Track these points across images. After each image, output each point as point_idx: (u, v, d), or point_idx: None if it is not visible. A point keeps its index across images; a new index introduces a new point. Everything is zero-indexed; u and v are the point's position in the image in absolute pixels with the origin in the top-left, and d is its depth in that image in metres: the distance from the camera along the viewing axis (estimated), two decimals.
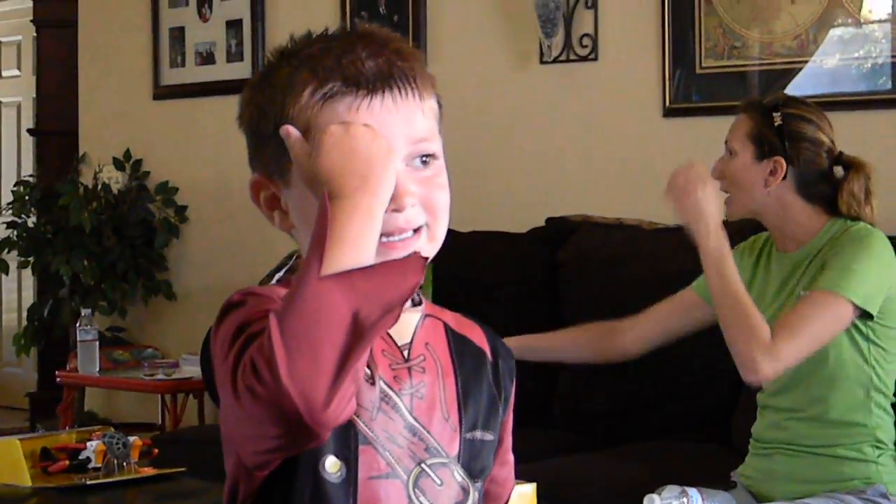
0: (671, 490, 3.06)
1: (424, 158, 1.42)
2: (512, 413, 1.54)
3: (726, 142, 3.19)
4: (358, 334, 1.20)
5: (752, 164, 3.13)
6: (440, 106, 1.47)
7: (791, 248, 3.17)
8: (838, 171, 3.14)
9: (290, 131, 1.34)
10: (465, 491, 1.44)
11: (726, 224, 3.29)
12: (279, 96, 1.43)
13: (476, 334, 1.44)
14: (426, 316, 1.40)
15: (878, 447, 3.07)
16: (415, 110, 1.42)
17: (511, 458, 1.53)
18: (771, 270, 3.22)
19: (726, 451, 3.37)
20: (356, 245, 1.25)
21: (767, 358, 2.92)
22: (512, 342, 3.42)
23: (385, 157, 1.31)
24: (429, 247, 1.39)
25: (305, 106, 1.40)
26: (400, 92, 1.41)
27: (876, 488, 3.03)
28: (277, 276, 1.39)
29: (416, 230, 1.37)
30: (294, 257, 1.57)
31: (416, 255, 1.28)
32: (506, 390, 1.52)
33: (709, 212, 3.02)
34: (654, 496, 3.04)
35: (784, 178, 3.10)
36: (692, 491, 3.07)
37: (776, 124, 3.12)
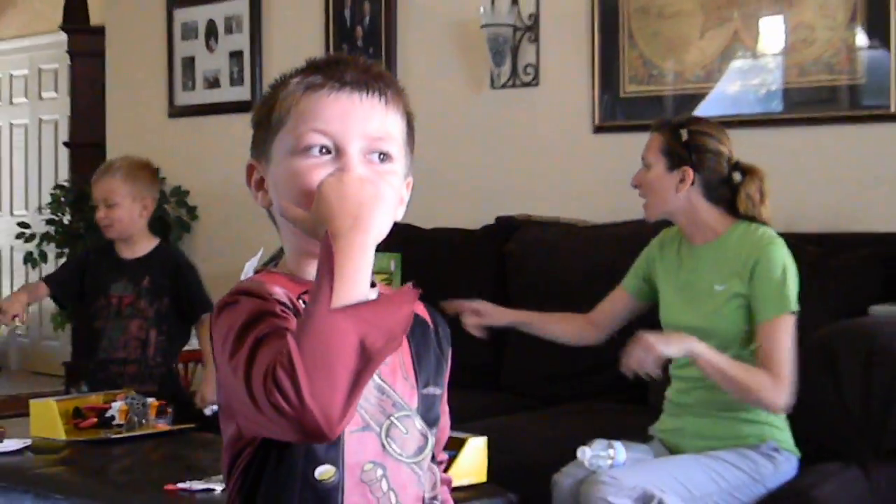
0: (600, 443, 3.07)
1: (382, 156, 1.43)
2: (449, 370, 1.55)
3: (642, 157, 3.19)
4: (366, 359, 1.22)
5: (665, 174, 3.14)
6: (410, 126, 1.47)
7: (699, 242, 3.18)
8: (736, 176, 3.16)
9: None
10: (425, 437, 1.46)
11: (645, 224, 3.30)
12: (273, 91, 1.47)
13: (420, 309, 1.45)
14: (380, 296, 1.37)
15: (767, 410, 3.07)
16: (377, 112, 1.43)
17: (447, 407, 1.54)
18: (682, 258, 3.23)
19: (644, 410, 3.38)
20: (355, 279, 1.25)
21: (777, 393, 2.96)
22: (511, 315, 3.45)
23: (373, 199, 1.31)
24: None
25: (289, 93, 1.44)
26: (368, 93, 1.43)
27: (768, 444, 3.05)
28: (255, 267, 1.39)
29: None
30: (277, 252, 1.56)
31: (408, 287, 1.29)
32: (445, 352, 1.55)
33: (686, 346, 2.98)
34: (586, 448, 3.05)
35: (692, 184, 3.11)
36: (616, 443, 3.07)
37: (683, 139, 3.14)
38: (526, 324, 3.48)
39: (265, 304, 1.31)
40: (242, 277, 1.57)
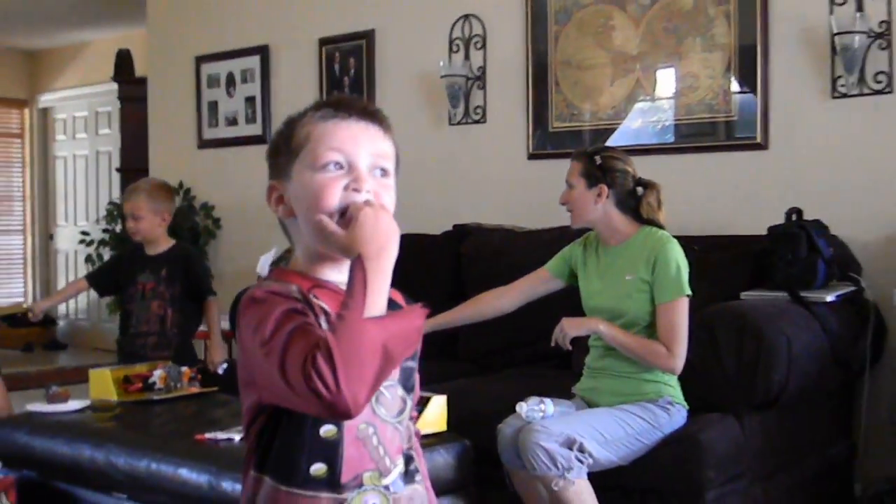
0: (533, 399, 3.06)
1: (381, 171, 1.43)
2: None
3: (566, 180, 3.18)
4: (388, 359, 1.24)
5: (586, 191, 3.14)
6: (397, 153, 1.47)
7: (613, 243, 3.18)
8: (639, 190, 3.17)
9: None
10: (404, 401, 1.45)
11: (568, 230, 3.30)
12: (292, 123, 1.45)
13: (397, 296, 1.43)
14: (401, 310, 1.38)
15: (664, 372, 3.08)
16: (378, 137, 1.44)
17: (418, 376, 1.52)
18: (600, 257, 3.21)
19: (569, 374, 3.37)
20: (381, 294, 1.27)
21: (674, 360, 2.99)
22: (437, 321, 3.38)
23: (395, 232, 1.32)
24: None
25: (307, 122, 1.43)
26: (371, 122, 1.44)
27: (664, 399, 3.05)
28: (269, 262, 1.38)
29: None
30: (285, 251, 1.55)
31: (419, 306, 1.31)
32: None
33: (593, 326, 3.05)
34: (523, 403, 3.05)
35: (607, 197, 3.12)
36: (547, 400, 3.07)
37: (598, 164, 3.14)
38: (450, 322, 3.44)
39: (292, 304, 1.30)
40: (258, 269, 1.56)
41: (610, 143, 4.37)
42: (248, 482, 1.40)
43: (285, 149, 1.43)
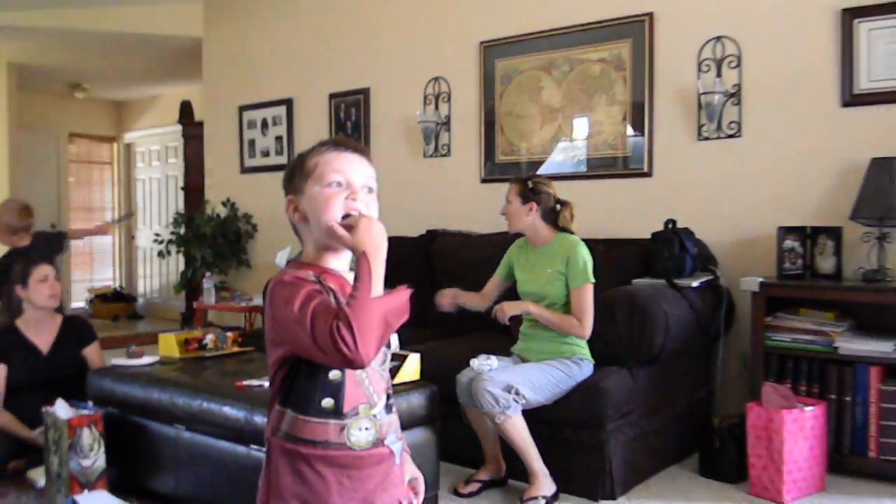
0: (482, 356, 3.07)
1: (369, 189, 1.42)
2: None
3: (507, 198, 3.17)
4: (388, 326, 1.26)
5: (519, 207, 3.14)
6: (376, 178, 1.45)
7: (538, 245, 3.18)
8: (558, 206, 3.17)
9: (336, 229, 1.36)
10: (385, 355, 1.45)
11: (508, 235, 3.29)
12: (303, 156, 1.45)
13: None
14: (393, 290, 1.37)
15: (577, 337, 3.08)
16: (366, 164, 1.43)
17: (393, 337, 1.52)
18: (529, 255, 3.21)
19: (509, 338, 3.37)
20: (380, 280, 1.28)
21: (583, 329, 3.01)
22: (463, 297, 3.26)
23: (385, 235, 1.33)
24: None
25: (315, 154, 1.43)
26: (361, 154, 1.43)
27: (576, 356, 3.07)
28: (287, 259, 1.38)
29: (359, 213, 1.38)
30: (300, 252, 1.54)
31: (405, 287, 1.30)
32: None
33: (524, 307, 3.05)
34: (474, 359, 3.05)
35: (535, 212, 3.12)
36: (492, 356, 3.08)
37: (530, 187, 3.14)
38: (462, 300, 3.30)
39: (313, 286, 1.31)
40: (277, 261, 1.57)
41: (539, 171, 4.38)
42: (273, 414, 1.40)
43: (299, 173, 1.43)
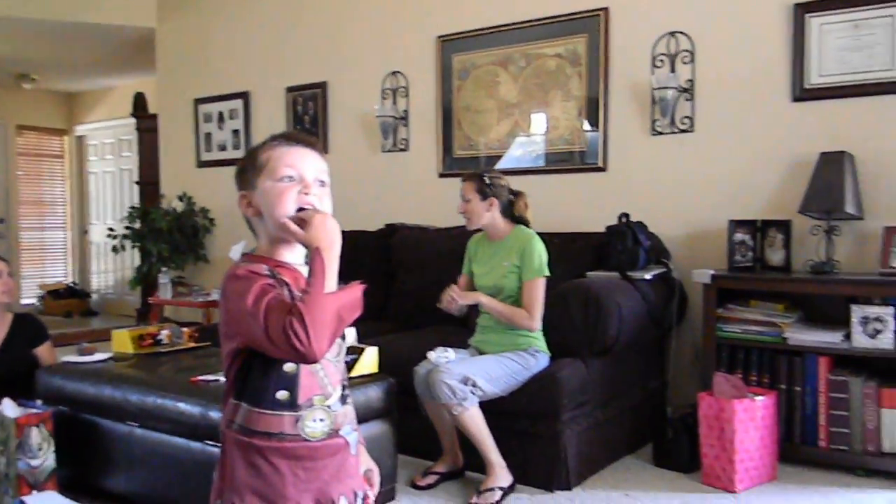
0: (440, 348, 3.08)
1: (321, 182, 1.41)
2: None
3: (464, 196, 3.15)
4: (341, 321, 1.26)
5: (479, 203, 3.14)
6: (329, 172, 1.44)
7: (496, 239, 3.19)
8: (513, 199, 3.18)
9: (290, 225, 1.35)
10: (339, 346, 1.45)
11: (465, 229, 3.29)
12: (254, 150, 1.43)
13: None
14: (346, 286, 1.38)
15: (530, 331, 3.10)
16: (318, 158, 1.42)
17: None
18: (486, 249, 3.22)
19: (466, 331, 3.38)
20: (333, 275, 1.28)
21: (532, 321, 3.03)
22: (470, 297, 3.19)
23: (338, 231, 1.33)
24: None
25: (267, 149, 1.41)
26: (312, 149, 1.43)
27: (532, 348, 3.08)
28: (240, 251, 1.37)
29: (313, 206, 1.37)
30: (252, 247, 1.53)
31: (358, 283, 1.31)
32: None
33: (472, 297, 3.05)
34: (432, 352, 3.06)
35: (494, 207, 3.14)
36: (450, 349, 3.09)
37: (487, 182, 3.14)
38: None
39: (267, 280, 1.30)
40: (231, 255, 1.56)
41: (498, 166, 4.39)
42: (228, 407, 1.40)
43: (251, 168, 1.42)
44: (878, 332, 3.08)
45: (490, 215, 3.14)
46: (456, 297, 3.03)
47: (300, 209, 1.36)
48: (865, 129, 3.43)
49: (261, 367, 1.34)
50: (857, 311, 3.12)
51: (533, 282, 3.03)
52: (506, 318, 3.04)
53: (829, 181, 3.31)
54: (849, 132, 3.46)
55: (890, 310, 3.07)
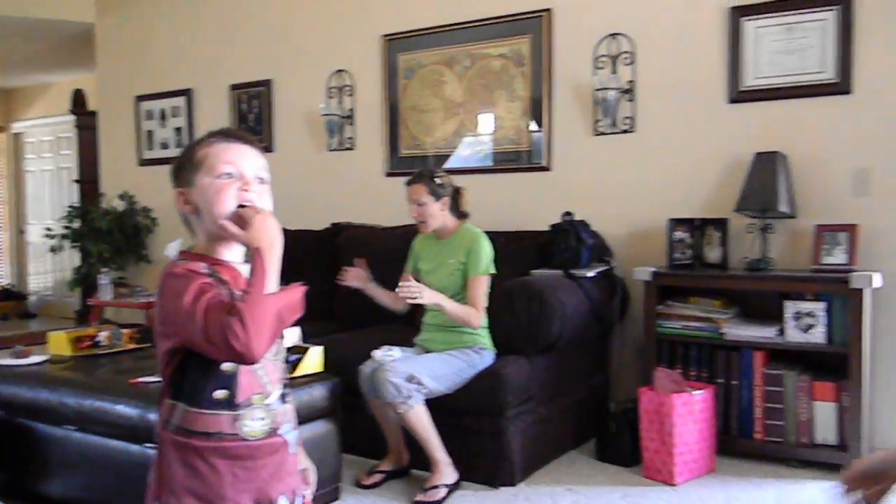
0: (385, 347, 3.08)
1: (260, 180, 1.40)
2: None
3: (416, 201, 3.12)
4: (281, 322, 1.25)
5: (434, 204, 3.14)
6: (267, 169, 1.43)
7: (444, 238, 3.21)
8: (455, 194, 3.20)
9: (229, 226, 1.33)
10: (279, 345, 1.45)
11: (412, 226, 3.28)
12: (192, 147, 1.42)
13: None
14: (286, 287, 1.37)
15: (474, 328, 3.12)
16: (256, 155, 1.41)
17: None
18: (433, 247, 3.24)
19: (412, 329, 3.39)
20: (272, 277, 1.27)
21: (477, 318, 3.03)
22: (374, 291, 3.27)
23: (279, 231, 1.32)
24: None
25: (204, 145, 1.40)
26: (251, 146, 1.42)
27: (477, 345, 3.11)
28: (177, 249, 1.34)
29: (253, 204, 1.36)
30: (190, 245, 1.52)
31: (299, 284, 1.31)
32: None
33: (431, 296, 2.98)
34: (377, 350, 3.06)
35: (447, 206, 3.15)
36: (395, 347, 3.10)
37: (438, 183, 3.15)
38: (371, 291, 3.30)
39: (205, 279, 1.29)
40: (167, 252, 1.54)
41: (446, 166, 4.39)
42: (164, 408, 1.38)
43: (188, 165, 1.40)
44: (810, 326, 3.18)
45: (443, 215, 3.15)
46: (419, 292, 2.94)
47: (240, 206, 1.35)
48: (798, 130, 3.53)
49: (198, 367, 1.32)
50: (790, 307, 3.22)
51: (478, 279, 3.06)
52: (461, 320, 3.04)
53: (764, 181, 3.41)
54: (782, 133, 3.56)
55: (821, 305, 3.17)
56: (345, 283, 3.24)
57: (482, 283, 3.06)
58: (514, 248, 3.68)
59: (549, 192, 4.15)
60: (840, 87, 3.44)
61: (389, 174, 4.71)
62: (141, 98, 5.94)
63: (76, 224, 6.07)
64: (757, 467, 3.25)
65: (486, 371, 3.06)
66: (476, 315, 3.03)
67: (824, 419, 3.18)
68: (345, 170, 4.91)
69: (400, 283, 2.95)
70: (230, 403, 1.34)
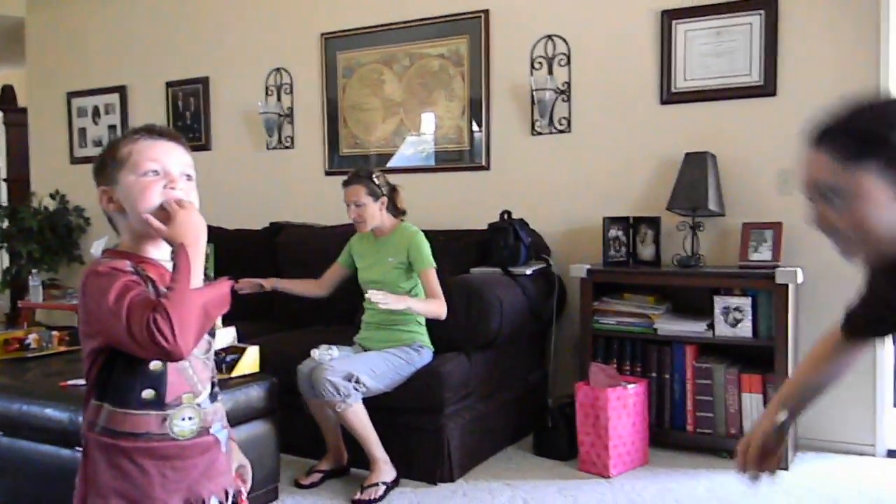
0: (323, 346, 3.08)
1: (188, 176, 1.38)
2: None
3: (355, 202, 3.14)
4: (207, 317, 1.25)
5: (373, 205, 3.15)
6: (194, 166, 1.42)
7: (381, 236, 3.22)
8: (391, 193, 3.21)
9: (152, 221, 1.32)
10: (209, 343, 1.45)
11: (350, 226, 3.28)
12: (115, 144, 1.39)
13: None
14: (213, 281, 1.36)
15: (418, 324, 3.15)
16: (183, 152, 1.40)
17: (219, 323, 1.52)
18: (372, 245, 3.24)
19: (351, 329, 3.38)
20: (199, 271, 1.26)
21: (443, 309, 3.05)
22: (283, 283, 3.32)
23: (204, 225, 1.31)
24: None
25: (128, 142, 1.37)
26: (177, 142, 1.40)
27: (416, 343, 3.13)
28: (102, 247, 1.32)
29: (177, 201, 1.33)
30: (115, 243, 1.50)
31: (226, 279, 1.31)
32: None
33: (397, 301, 2.95)
34: (315, 349, 3.05)
35: (385, 205, 3.16)
36: (334, 346, 3.09)
37: (377, 183, 3.15)
38: (280, 287, 3.40)
39: (129, 277, 1.26)
40: (92, 251, 1.52)
41: (389, 165, 4.40)
42: (89, 409, 1.36)
43: (112, 162, 1.38)
44: (738, 321, 3.28)
45: (381, 214, 3.16)
46: (385, 300, 2.91)
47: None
48: (727, 131, 3.64)
49: (124, 366, 1.31)
50: (719, 302, 3.31)
51: (429, 272, 3.09)
52: (434, 314, 3.05)
53: (694, 180, 3.50)
54: (711, 134, 3.66)
55: (748, 300, 3.27)
56: (242, 291, 3.25)
57: (433, 274, 3.08)
58: (453, 247, 3.71)
59: (488, 191, 4.19)
60: (765, 89, 3.55)
61: (329, 173, 4.69)
62: (73, 94, 5.78)
63: (4, 224, 5.89)
64: (689, 459, 3.33)
65: (425, 368, 3.08)
66: (441, 304, 3.05)
67: (752, 410, 3.28)
68: (284, 168, 4.87)
69: (368, 291, 2.96)
70: (158, 403, 1.32)
